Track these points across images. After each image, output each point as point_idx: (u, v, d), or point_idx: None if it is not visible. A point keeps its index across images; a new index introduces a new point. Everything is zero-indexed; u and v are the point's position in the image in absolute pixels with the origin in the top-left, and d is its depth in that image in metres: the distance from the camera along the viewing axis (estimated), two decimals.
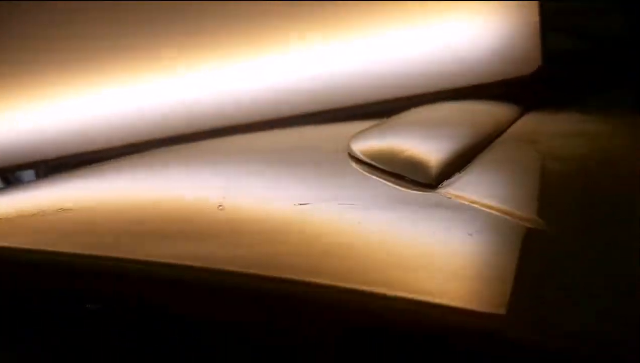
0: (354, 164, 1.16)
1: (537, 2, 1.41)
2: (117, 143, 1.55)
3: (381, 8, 1.50)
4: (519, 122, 1.37)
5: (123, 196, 1.03)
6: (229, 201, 0.95)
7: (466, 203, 0.92)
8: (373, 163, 1.10)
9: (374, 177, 1.08)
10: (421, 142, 1.17)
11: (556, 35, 1.47)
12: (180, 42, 1.52)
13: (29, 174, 1.64)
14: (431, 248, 0.82)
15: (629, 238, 0.85)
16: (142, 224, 0.92)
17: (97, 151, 1.54)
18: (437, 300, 0.71)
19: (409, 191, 0.99)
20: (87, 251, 0.85)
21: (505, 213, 0.88)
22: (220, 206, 0.91)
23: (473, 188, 0.99)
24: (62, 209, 0.96)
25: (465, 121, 1.31)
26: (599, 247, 0.84)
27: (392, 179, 1.05)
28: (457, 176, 1.03)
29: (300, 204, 0.92)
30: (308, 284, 0.78)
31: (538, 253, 0.81)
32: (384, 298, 0.73)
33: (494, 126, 1.30)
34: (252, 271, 0.79)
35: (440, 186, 0.99)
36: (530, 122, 1.39)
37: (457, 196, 0.95)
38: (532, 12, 1.41)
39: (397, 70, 1.54)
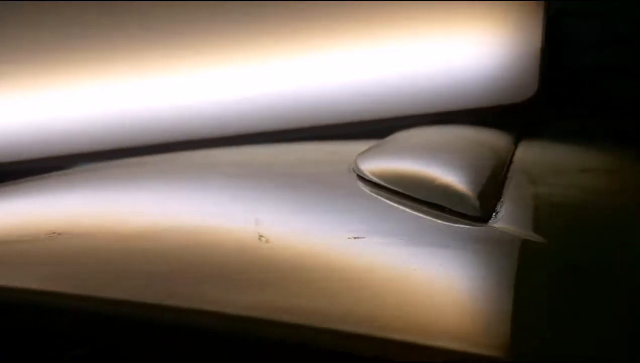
0: (366, 189, 1.06)
1: (541, 25, 1.36)
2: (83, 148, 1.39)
3: (377, 24, 1.42)
4: (518, 153, 1.32)
5: (127, 219, 0.86)
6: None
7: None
8: (403, 190, 1.00)
9: (401, 207, 0.98)
10: (446, 169, 1.09)
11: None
12: (172, 44, 1.38)
13: None
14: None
15: None
16: (165, 262, 0.74)
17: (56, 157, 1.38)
18: None
19: (458, 225, 0.90)
20: (98, 293, 0.66)
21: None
22: (262, 237, 0.78)
23: (520, 222, 0.91)
24: (54, 234, 0.78)
25: (477, 147, 1.24)
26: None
27: (425, 210, 0.96)
28: (500, 207, 0.95)
29: (355, 237, 0.80)
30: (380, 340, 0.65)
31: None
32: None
33: (504, 153, 1.23)
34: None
35: (490, 219, 0.91)
36: (527, 153, 1.35)
37: (509, 230, 0.87)
38: (535, 36, 1.36)
39: (385, 90, 1.46)
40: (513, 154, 1.27)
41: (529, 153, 1.30)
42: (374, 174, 1.07)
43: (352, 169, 1.12)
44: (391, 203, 1.00)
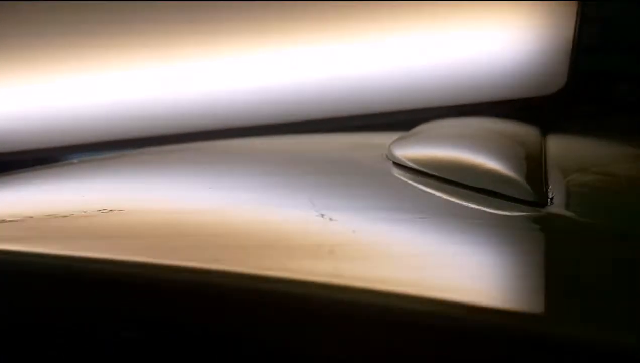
0: (402, 177, 1.03)
1: (574, 19, 1.34)
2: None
3: (406, 15, 1.39)
4: (549, 145, 1.29)
5: (178, 199, 0.81)
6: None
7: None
8: (447, 177, 0.97)
9: (447, 193, 0.95)
10: (487, 156, 1.06)
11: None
12: (201, 34, 1.35)
13: None
14: None
15: None
16: (235, 236, 0.71)
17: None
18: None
19: (519, 212, 0.87)
20: (178, 263, 0.63)
21: None
22: (323, 214, 0.74)
23: (577, 208, 0.89)
24: (105, 210, 0.74)
25: (510, 138, 1.21)
26: None
27: (472, 195, 0.92)
28: (552, 193, 0.92)
29: (420, 217, 0.77)
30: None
31: None
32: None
33: (537, 144, 1.21)
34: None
35: (549, 204, 0.88)
36: (557, 145, 1.32)
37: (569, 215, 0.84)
38: (567, 31, 1.34)
39: (412, 81, 1.43)
40: (544, 145, 1.25)
41: (558, 145, 1.28)
42: (413, 161, 1.04)
43: (387, 157, 1.10)
44: (433, 190, 0.97)
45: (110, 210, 0.72)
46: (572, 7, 1.32)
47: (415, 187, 0.98)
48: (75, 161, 1.17)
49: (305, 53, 1.43)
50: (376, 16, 1.40)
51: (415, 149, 1.10)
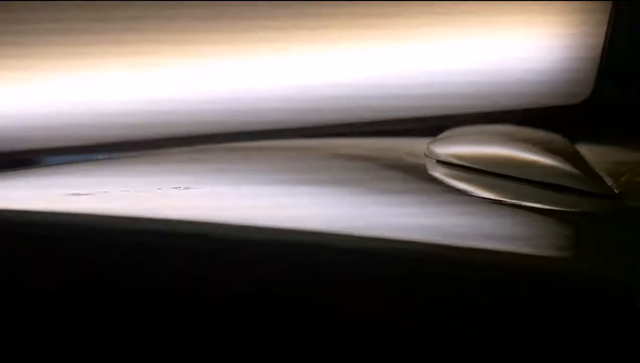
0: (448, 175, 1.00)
1: (605, 25, 1.33)
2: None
3: (428, 20, 1.37)
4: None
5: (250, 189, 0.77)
6: None
7: None
8: (509, 173, 0.94)
9: (496, 189, 0.93)
10: (538, 154, 1.03)
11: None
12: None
13: None
14: None
15: None
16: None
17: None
18: None
19: (600, 204, 0.85)
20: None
21: None
22: None
23: None
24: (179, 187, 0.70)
25: (547, 140, 1.19)
26: None
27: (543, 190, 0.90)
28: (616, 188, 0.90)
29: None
30: None
31: None
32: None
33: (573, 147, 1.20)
34: None
35: (618, 197, 0.86)
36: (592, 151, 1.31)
37: None
38: (596, 37, 1.34)
39: (434, 87, 1.41)
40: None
41: (591, 150, 1.27)
42: (462, 159, 1.01)
43: (427, 157, 1.07)
44: (491, 187, 0.94)
45: (187, 187, 0.68)
46: (605, 13, 1.31)
47: (474, 184, 0.95)
48: (101, 157, 1.11)
49: (320, 58, 1.40)
50: (392, 22, 1.38)
51: (460, 148, 1.07)
